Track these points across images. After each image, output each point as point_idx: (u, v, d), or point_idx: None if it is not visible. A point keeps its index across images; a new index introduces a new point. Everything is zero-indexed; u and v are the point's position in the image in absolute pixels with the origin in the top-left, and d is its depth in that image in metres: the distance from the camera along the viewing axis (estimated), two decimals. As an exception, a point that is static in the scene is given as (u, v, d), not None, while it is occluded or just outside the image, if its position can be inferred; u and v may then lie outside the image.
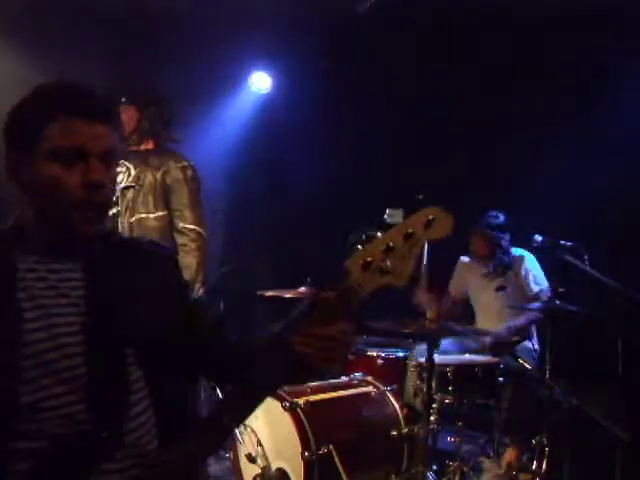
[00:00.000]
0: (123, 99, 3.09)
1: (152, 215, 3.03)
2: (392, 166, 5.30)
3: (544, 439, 3.31)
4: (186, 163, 3.12)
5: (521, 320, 3.93)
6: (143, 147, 3.16)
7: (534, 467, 3.35)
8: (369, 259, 1.22)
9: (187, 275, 2.99)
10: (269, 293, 3.60)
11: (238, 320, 5.83)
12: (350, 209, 5.56)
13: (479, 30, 4.60)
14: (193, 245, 3.03)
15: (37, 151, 1.29)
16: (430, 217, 1.24)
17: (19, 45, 4.37)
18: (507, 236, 4.05)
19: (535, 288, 3.98)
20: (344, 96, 5.38)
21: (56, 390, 1.27)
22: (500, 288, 4.04)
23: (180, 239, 3.04)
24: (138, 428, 1.34)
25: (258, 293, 3.64)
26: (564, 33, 4.35)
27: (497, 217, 4.06)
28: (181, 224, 3.04)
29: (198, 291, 3.06)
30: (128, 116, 3.08)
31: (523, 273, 4.03)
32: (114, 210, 3.00)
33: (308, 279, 3.59)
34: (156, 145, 3.17)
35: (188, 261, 3.00)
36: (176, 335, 1.43)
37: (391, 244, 1.22)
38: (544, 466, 3.30)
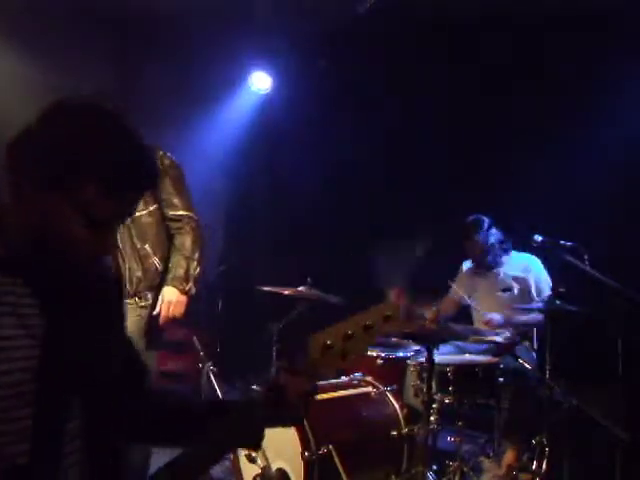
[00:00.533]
0: None
1: (144, 212, 3.01)
2: (392, 166, 5.30)
3: (544, 439, 3.31)
4: (161, 153, 3.08)
5: (528, 318, 3.92)
6: None
7: (534, 467, 3.34)
8: (329, 342, 1.32)
9: (179, 255, 3.02)
10: (268, 288, 3.60)
11: (238, 318, 5.85)
12: (350, 209, 5.57)
13: (479, 30, 4.61)
14: (188, 227, 3.07)
15: (66, 197, 1.16)
16: (388, 313, 1.34)
17: (19, 45, 4.38)
18: (493, 231, 4.07)
19: (543, 294, 3.97)
20: (344, 96, 5.38)
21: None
22: (506, 289, 4.05)
23: (174, 225, 3.08)
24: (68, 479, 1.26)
25: (257, 287, 3.63)
26: (564, 33, 4.35)
27: (476, 220, 4.07)
28: (171, 212, 3.07)
29: (192, 288, 3.07)
30: None
31: (533, 278, 4.04)
32: None
33: (308, 279, 3.59)
34: None
35: (182, 240, 3.05)
36: (118, 382, 1.35)
37: (350, 332, 1.33)
38: (544, 466, 3.29)
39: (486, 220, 4.06)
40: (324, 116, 5.35)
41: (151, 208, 3.03)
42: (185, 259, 3.04)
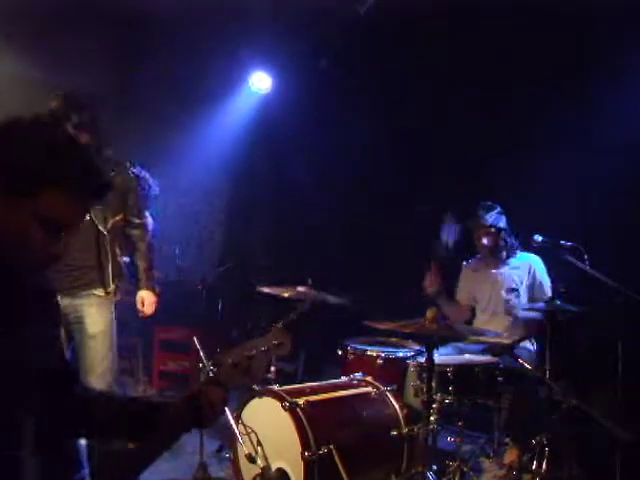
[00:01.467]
0: None
1: (118, 218, 3.34)
2: (392, 165, 5.30)
3: (544, 439, 3.31)
4: (128, 165, 3.45)
5: (535, 315, 3.92)
6: None
7: (534, 467, 3.34)
8: (237, 360, 1.61)
9: (146, 261, 3.51)
10: (267, 290, 3.60)
11: (238, 318, 5.85)
12: (350, 208, 5.57)
13: (479, 29, 4.61)
14: (144, 234, 3.52)
15: (24, 203, 1.27)
16: (278, 341, 1.64)
17: (19, 45, 4.38)
18: (503, 218, 4.06)
19: (548, 293, 3.97)
20: (344, 96, 5.38)
21: None
22: (510, 290, 4.04)
23: (135, 232, 3.48)
24: None
25: (257, 289, 3.64)
26: (564, 32, 4.35)
27: (487, 205, 4.06)
28: (135, 220, 3.46)
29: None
30: None
31: (537, 279, 4.03)
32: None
33: (309, 279, 3.59)
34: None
35: (143, 246, 3.52)
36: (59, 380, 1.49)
37: (253, 352, 1.62)
38: (544, 466, 3.29)
39: (495, 205, 4.05)
40: (324, 116, 5.35)
41: (120, 216, 3.36)
42: (150, 264, 3.52)
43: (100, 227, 3.22)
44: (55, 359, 1.49)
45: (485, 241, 4.06)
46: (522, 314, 3.97)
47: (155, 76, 4.96)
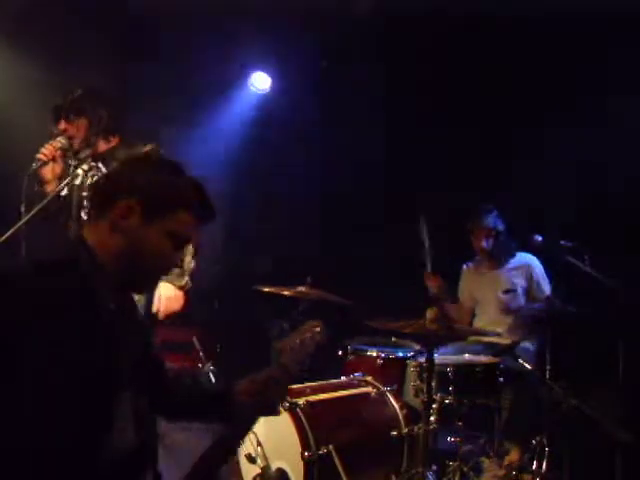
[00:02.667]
0: (72, 115, 3.11)
1: None
2: (392, 166, 5.30)
3: (544, 439, 3.31)
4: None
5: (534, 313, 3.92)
6: (108, 145, 3.19)
7: (534, 467, 3.34)
8: (292, 345, 1.89)
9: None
10: (267, 289, 3.60)
11: (238, 318, 5.85)
12: (350, 208, 5.57)
13: (479, 30, 4.60)
14: None
15: (158, 222, 1.57)
16: (318, 328, 1.96)
17: (19, 45, 4.37)
18: (501, 220, 4.08)
19: (546, 293, 3.97)
20: (344, 96, 5.38)
21: None
22: (508, 291, 4.05)
23: None
24: None
25: (257, 288, 3.63)
26: (565, 32, 4.35)
27: (486, 208, 4.09)
28: None
29: (188, 283, 3.27)
30: (81, 125, 3.11)
31: (535, 279, 4.04)
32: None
33: (308, 279, 3.59)
34: (121, 140, 3.23)
35: None
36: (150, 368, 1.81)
37: (301, 338, 1.92)
38: (544, 466, 3.29)
39: (493, 208, 4.08)
40: (324, 116, 5.35)
41: None
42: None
43: None
44: (150, 346, 1.78)
45: (485, 243, 4.09)
46: (522, 312, 3.98)
47: (155, 76, 4.96)
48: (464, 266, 4.37)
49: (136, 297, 3.01)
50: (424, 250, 3.79)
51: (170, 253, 1.60)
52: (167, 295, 3.10)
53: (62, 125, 3.08)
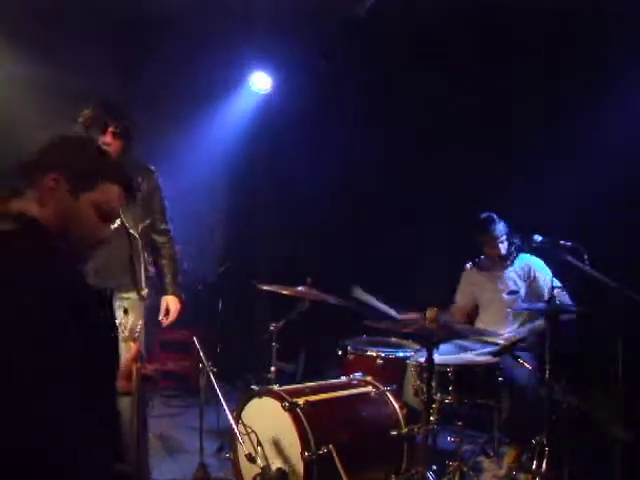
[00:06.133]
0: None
1: (147, 223, 3.38)
2: (392, 166, 5.30)
3: (544, 439, 3.31)
4: (153, 169, 3.45)
5: (539, 323, 3.93)
6: None
7: (534, 467, 3.34)
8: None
9: (172, 267, 3.54)
10: (267, 287, 3.61)
11: (238, 318, 5.85)
12: (350, 208, 5.57)
13: (478, 30, 4.61)
14: (170, 241, 3.55)
15: (85, 194, 1.65)
16: None
17: (19, 45, 4.38)
18: (503, 223, 4.14)
19: (547, 287, 3.98)
20: (344, 96, 5.38)
21: None
22: (511, 292, 4.06)
23: (160, 238, 3.51)
24: None
25: (257, 286, 3.65)
26: (566, 32, 4.35)
27: (488, 216, 4.12)
28: (161, 226, 3.49)
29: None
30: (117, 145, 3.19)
31: (540, 280, 4.05)
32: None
33: (308, 279, 3.59)
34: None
35: (169, 252, 3.56)
36: None
37: None
38: (544, 466, 3.29)
39: (493, 215, 4.12)
40: (324, 116, 5.35)
41: (148, 221, 3.38)
42: (176, 271, 3.52)
43: (132, 231, 3.24)
44: (118, 360, 1.86)
45: (502, 250, 4.13)
46: (524, 312, 4.00)
47: (155, 76, 4.96)
48: (466, 266, 4.38)
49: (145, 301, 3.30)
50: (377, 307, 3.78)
51: (98, 225, 1.68)
52: (175, 308, 3.48)
53: None
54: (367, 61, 5.13)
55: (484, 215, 4.15)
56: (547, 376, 3.34)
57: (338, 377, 3.63)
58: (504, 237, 4.12)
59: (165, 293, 3.48)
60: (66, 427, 1.36)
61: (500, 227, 4.11)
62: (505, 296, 4.10)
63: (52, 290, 1.43)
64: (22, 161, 1.71)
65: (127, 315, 3.08)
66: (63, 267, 1.54)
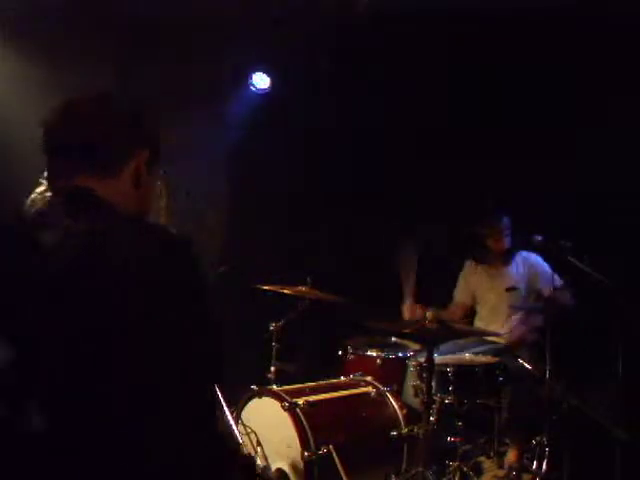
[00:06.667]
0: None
1: None
2: (392, 166, 5.30)
3: (544, 439, 3.31)
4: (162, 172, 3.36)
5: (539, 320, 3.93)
6: None
7: (534, 467, 3.34)
8: None
9: None
10: (267, 287, 3.61)
11: (238, 318, 5.84)
12: (350, 208, 5.57)
13: (479, 30, 4.60)
14: None
15: (154, 172, 1.47)
16: None
17: (19, 45, 4.37)
18: (508, 219, 4.16)
19: (547, 292, 3.97)
20: (344, 96, 5.38)
21: None
22: (511, 289, 4.05)
23: None
24: None
25: (257, 287, 3.65)
26: (570, 32, 4.34)
27: (497, 209, 4.13)
28: None
29: None
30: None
31: (540, 276, 4.05)
32: None
33: (308, 279, 3.59)
34: None
35: None
36: None
37: None
38: (544, 466, 3.29)
39: (495, 207, 4.15)
40: (324, 116, 5.35)
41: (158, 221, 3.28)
42: None
43: None
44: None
45: (507, 243, 4.14)
46: (524, 310, 4.01)
47: (155, 76, 4.96)
48: (466, 262, 4.37)
49: None
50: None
51: (133, 194, 1.43)
52: None
53: None
54: (367, 61, 5.13)
55: (488, 208, 4.16)
56: (547, 376, 3.35)
57: (338, 377, 3.63)
58: (508, 231, 4.13)
59: None
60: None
61: (506, 220, 4.13)
62: (506, 293, 4.09)
63: (196, 265, 1.33)
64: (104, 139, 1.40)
65: None
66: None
